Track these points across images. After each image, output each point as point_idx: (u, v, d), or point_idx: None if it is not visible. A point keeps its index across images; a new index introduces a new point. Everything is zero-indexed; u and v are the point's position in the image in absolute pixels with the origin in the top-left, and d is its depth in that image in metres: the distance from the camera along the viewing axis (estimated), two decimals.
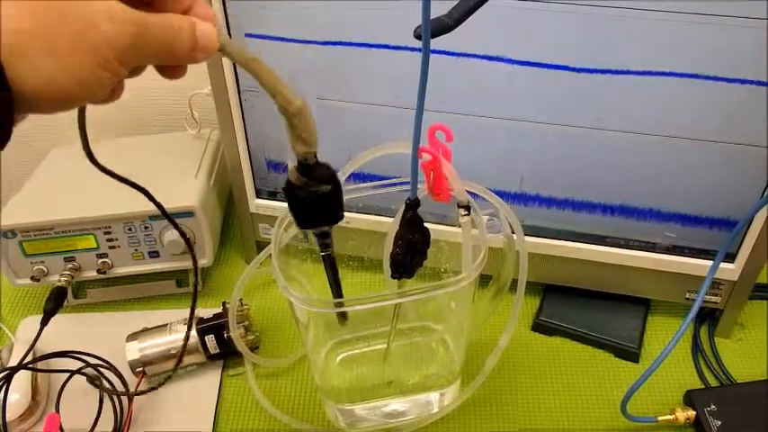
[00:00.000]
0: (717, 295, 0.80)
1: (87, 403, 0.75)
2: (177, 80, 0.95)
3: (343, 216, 0.52)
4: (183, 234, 0.70)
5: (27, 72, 0.33)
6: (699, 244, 0.77)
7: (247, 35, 0.72)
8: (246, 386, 0.79)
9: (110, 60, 0.36)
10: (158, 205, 0.60)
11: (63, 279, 0.82)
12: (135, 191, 0.57)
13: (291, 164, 0.48)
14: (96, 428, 0.72)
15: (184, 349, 0.75)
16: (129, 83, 0.42)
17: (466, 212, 0.59)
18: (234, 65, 0.74)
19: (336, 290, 0.58)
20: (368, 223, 0.80)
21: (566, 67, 0.66)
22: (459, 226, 0.60)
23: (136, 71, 0.42)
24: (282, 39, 0.71)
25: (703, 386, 0.78)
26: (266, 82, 0.43)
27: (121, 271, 0.85)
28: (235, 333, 0.77)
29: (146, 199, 0.58)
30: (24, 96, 0.33)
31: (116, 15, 0.36)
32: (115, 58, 0.36)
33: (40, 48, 0.33)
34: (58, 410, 0.75)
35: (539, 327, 0.85)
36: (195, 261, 0.70)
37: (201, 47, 0.40)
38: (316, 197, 0.49)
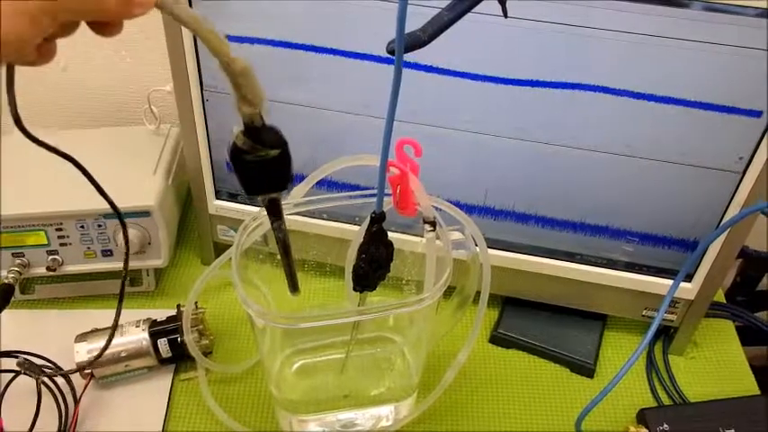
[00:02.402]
0: (673, 313, 0.81)
1: (32, 405, 0.73)
2: (138, 74, 0.92)
3: (291, 181, 0.49)
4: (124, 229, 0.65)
5: None
6: (657, 263, 0.77)
7: None
8: (198, 391, 0.77)
9: (30, 8, 0.33)
10: (100, 190, 0.55)
11: (10, 276, 0.79)
12: (89, 187, 0.53)
13: (237, 128, 0.45)
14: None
15: None
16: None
17: (431, 228, 0.59)
18: (198, 62, 0.72)
19: (290, 272, 0.55)
20: (331, 230, 0.79)
21: (534, 84, 0.66)
22: (424, 237, 0.60)
23: (66, 28, 0.39)
24: (248, 39, 0.70)
25: (656, 404, 0.79)
26: (209, 41, 0.41)
27: (72, 269, 0.82)
28: (188, 337, 0.76)
29: (99, 197, 0.55)
30: None
31: None
32: (37, 6, 0.34)
33: None
34: None
35: (496, 339, 0.85)
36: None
37: (137, 1, 0.38)
38: (264, 162, 0.46)
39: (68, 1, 0.35)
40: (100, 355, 0.70)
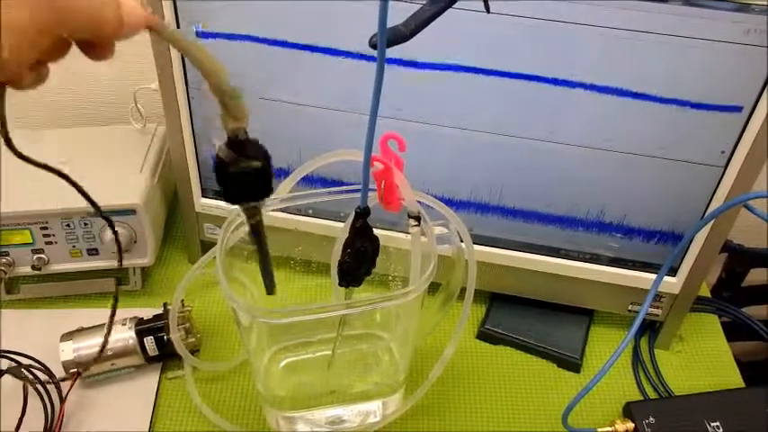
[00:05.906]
0: (658, 308, 0.81)
1: (17, 404, 0.72)
2: (124, 73, 0.91)
3: (272, 191, 0.49)
4: (114, 232, 0.65)
5: None
6: (642, 257, 0.78)
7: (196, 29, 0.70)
8: (185, 390, 0.77)
9: (28, 27, 0.33)
10: (84, 194, 0.53)
11: None
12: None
13: (219, 142, 0.46)
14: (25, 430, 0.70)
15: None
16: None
17: (416, 223, 0.59)
18: (183, 61, 0.72)
19: (266, 273, 0.54)
20: (317, 227, 0.79)
21: (515, 78, 0.66)
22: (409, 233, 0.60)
23: (59, 51, 0.39)
24: (232, 36, 0.70)
25: (642, 398, 0.80)
26: (201, 62, 0.42)
27: (58, 268, 0.82)
28: (175, 335, 0.75)
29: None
30: None
31: None
32: (33, 26, 0.34)
33: None
34: None
35: (484, 335, 0.85)
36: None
37: (128, 23, 0.38)
38: (246, 173, 0.47)
39: (67, 19, 0.35)
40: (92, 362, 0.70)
